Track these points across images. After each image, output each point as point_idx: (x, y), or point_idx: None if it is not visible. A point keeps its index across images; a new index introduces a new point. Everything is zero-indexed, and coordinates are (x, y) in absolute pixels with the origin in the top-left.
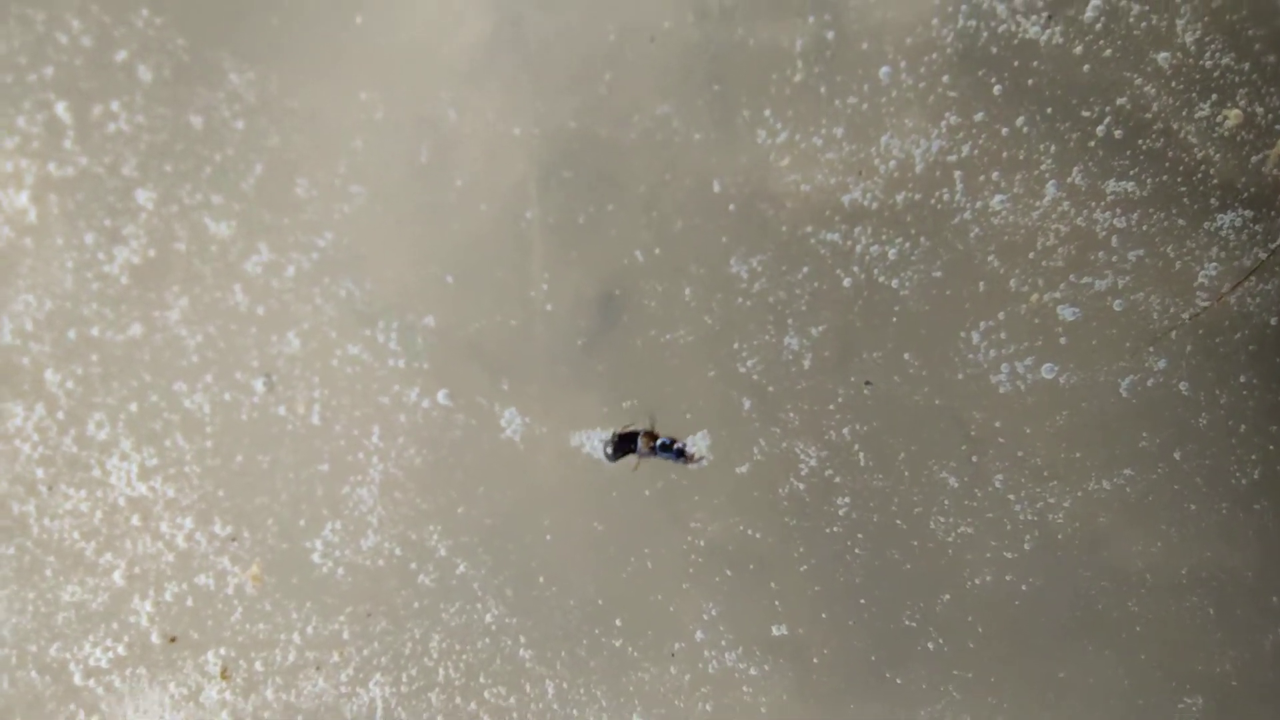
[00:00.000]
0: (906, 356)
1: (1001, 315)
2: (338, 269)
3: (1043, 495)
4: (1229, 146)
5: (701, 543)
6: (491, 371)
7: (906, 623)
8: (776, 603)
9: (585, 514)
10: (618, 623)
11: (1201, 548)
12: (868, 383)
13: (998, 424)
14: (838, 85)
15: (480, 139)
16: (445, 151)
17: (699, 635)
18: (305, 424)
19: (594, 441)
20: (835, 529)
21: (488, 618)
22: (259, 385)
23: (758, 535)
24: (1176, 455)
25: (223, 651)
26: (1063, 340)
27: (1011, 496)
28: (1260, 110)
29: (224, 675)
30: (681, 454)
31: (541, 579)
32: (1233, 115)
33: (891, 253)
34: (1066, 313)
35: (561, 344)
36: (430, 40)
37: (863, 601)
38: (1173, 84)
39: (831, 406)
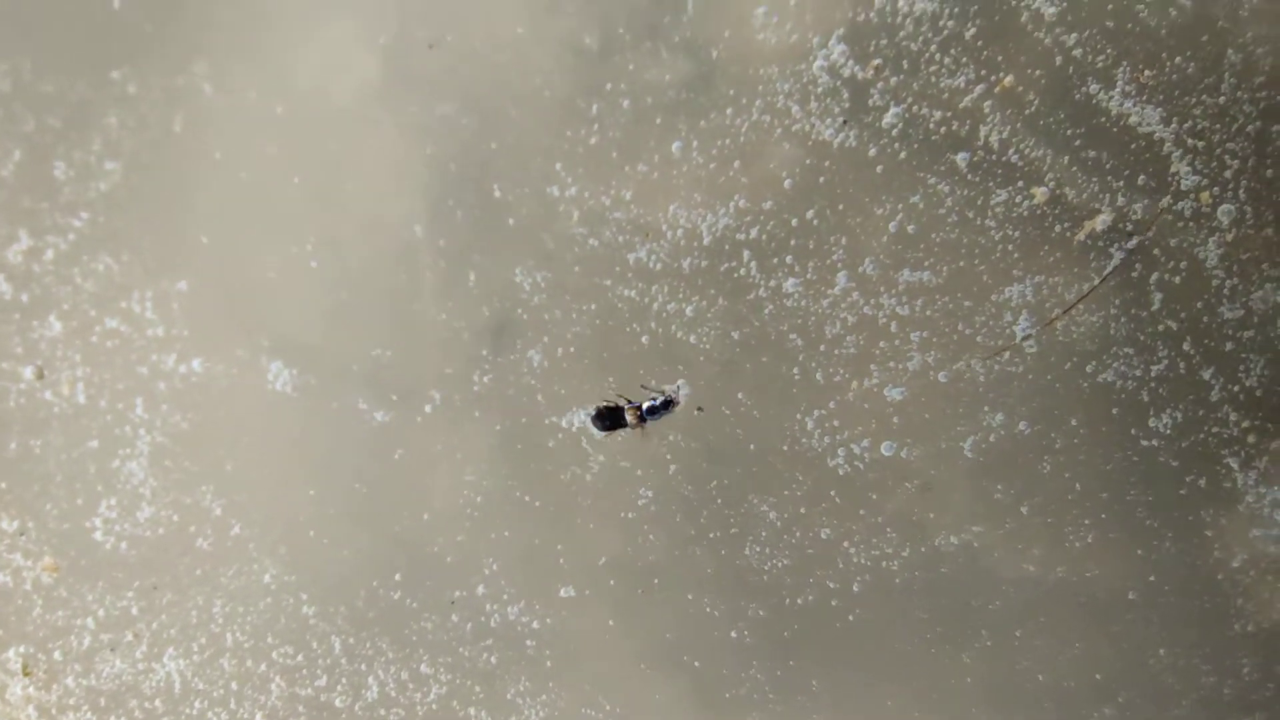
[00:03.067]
0: (740, 395)
1: (832, 404)
2: (95, 246)
3: (880, 545)
4: (1032, 222)
5: (479, 498)
6: (248, 327)
7: (708, 608)
8: (562, 561)
9: (352, 467)
10: (396, 576)
11: (1040, 612)
12: (699, 408)
13: (833, 493)
14: (628, 151)
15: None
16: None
17: (480, 589)
18: (72, 404)
19: (580, 418)
20: (629, 515)
21: (266, 578)
22: (28, 373)
23: (536, 503)
24: (1024, 509)
25: (23, 649)
26: (895, 420)
27: (846, 544)
28: (1069, 191)
29: (25, 672)
30: (669, 404)
31: (312, 533)
32: (1039, 194)
33: (689, 310)
34: (893, 393)
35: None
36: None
37: (656, 581)
38: (970, 178)
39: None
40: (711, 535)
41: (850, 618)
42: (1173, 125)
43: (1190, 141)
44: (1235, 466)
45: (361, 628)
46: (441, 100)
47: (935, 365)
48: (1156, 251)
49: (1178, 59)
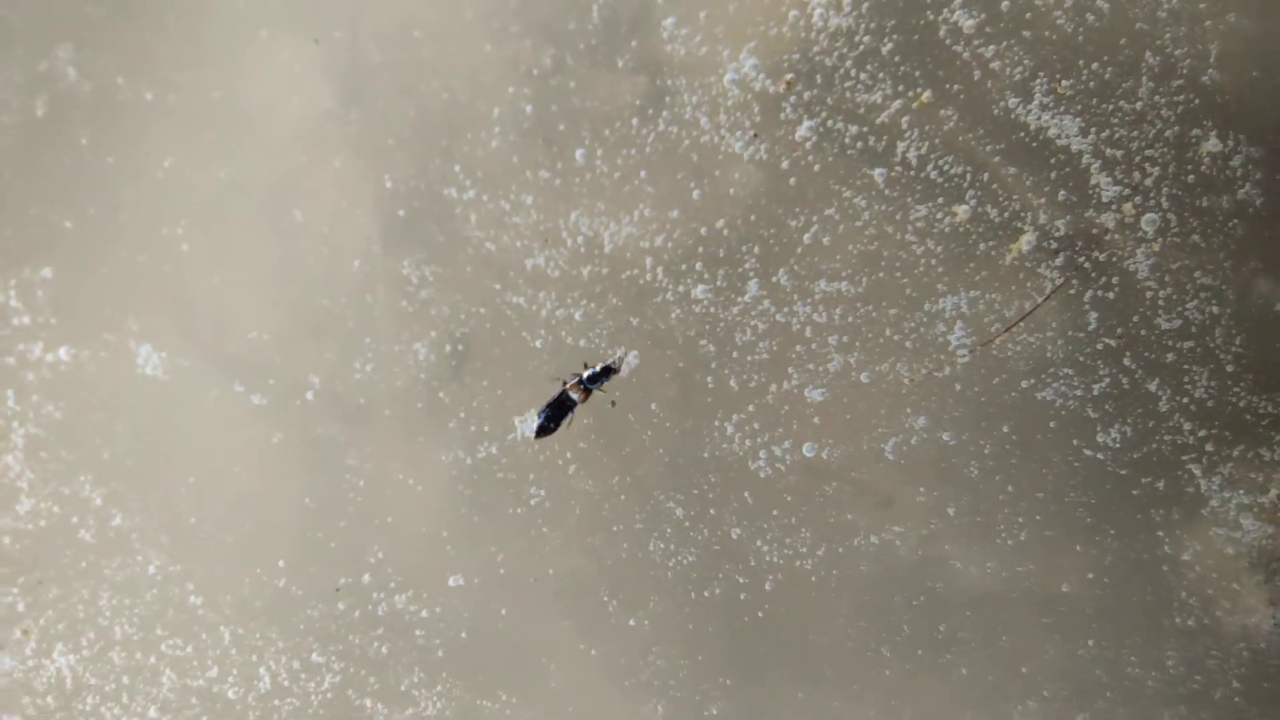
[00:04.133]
0: (653, 406)
1: (751, 408)
2: None
3: (793, 544)
4: (955, 239)
5: (361, 483)
6: (119, 306)
7: (604, 598)
8: (450, 549)
9: (230, 453)
10: (280, 563)
11: (964, 606)
12: (613, 403)
13: (746, 494)
14: (529, 156)
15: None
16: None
17: (366, 577)
18: None
19: (528, 424)
20: (519, 510)
21: (151, 568)
22: None
23: (419, 488)
24: (950, 510)
25: None
26: (816, 420)
27: (759, 542)
28: (991, 210)
29: None
30: (609, 371)
31: (193, 520)
32: (961, 212)
33: (577, 314)
34: (815, 394)
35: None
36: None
37: (550, 572)
38: (887, 193)
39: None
40: (614, 528)
41: (760, 614)
42: (1091, 136)
43: (1109, 152)
44: (1198, 473)
45: (249, 617)
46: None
47: (857, 366)
48: (1087, 265)
49: (1094, 65)
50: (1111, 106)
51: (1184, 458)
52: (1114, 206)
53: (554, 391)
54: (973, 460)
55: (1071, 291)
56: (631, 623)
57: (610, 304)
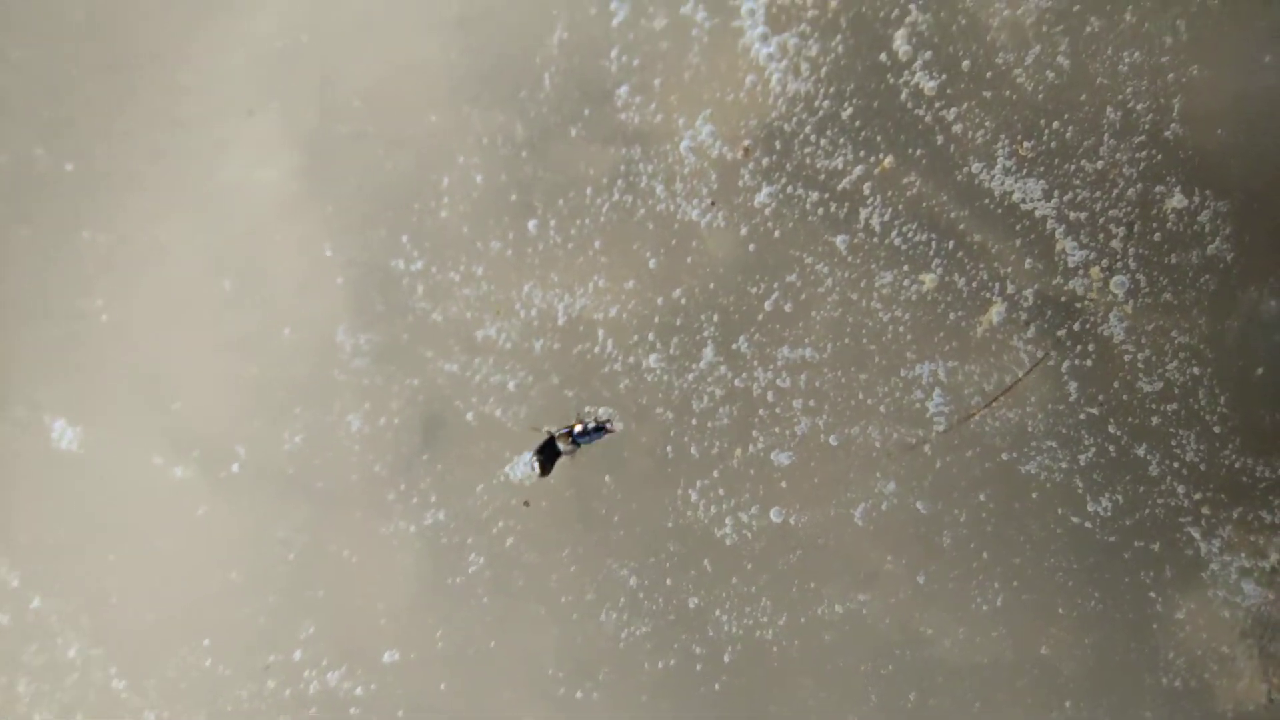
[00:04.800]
0: (607, 478)
1: (715, 473)
2: None
3: (753, 614)
4: (923, 307)
5: (291, 556)
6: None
7: (550, 671)
8: (384, 623)
9: (150, 528)
10: (205, 641)
11: (935, 673)
12: (525, 503)
13: (706, 562)
14: (480, 227)
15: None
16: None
17: (296, 654)
18: None
19: (520, 467)
20: (457, 580)
21: (71, 652)
22: None
23: (354, 559)
24: (920, 579)
25: None
26: (783, 484)
27: (718, 611)
28: (959, 279)
29: None
30: (600, 429)
31: (114, 600)
32: (928, 280)
33: (511, 384)
34: (781, 458)
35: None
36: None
37: (492, 644)
38: (850, 260)
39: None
40: (562, 600)
41: (717, 685)
42: (1054, 199)
43: (1073, 215)
44: (1197, 536)
45: (174, 700)
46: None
47: (825, 429)
48: (1062, 335)
49: (1055, 124)
50: (1074, 166)
51: (1181, 520)
52: (1081, 271)
53: (540, 438)
54: (946, 529)
55: (1050, 363)
56: (579, 695)
57: (550, 377)
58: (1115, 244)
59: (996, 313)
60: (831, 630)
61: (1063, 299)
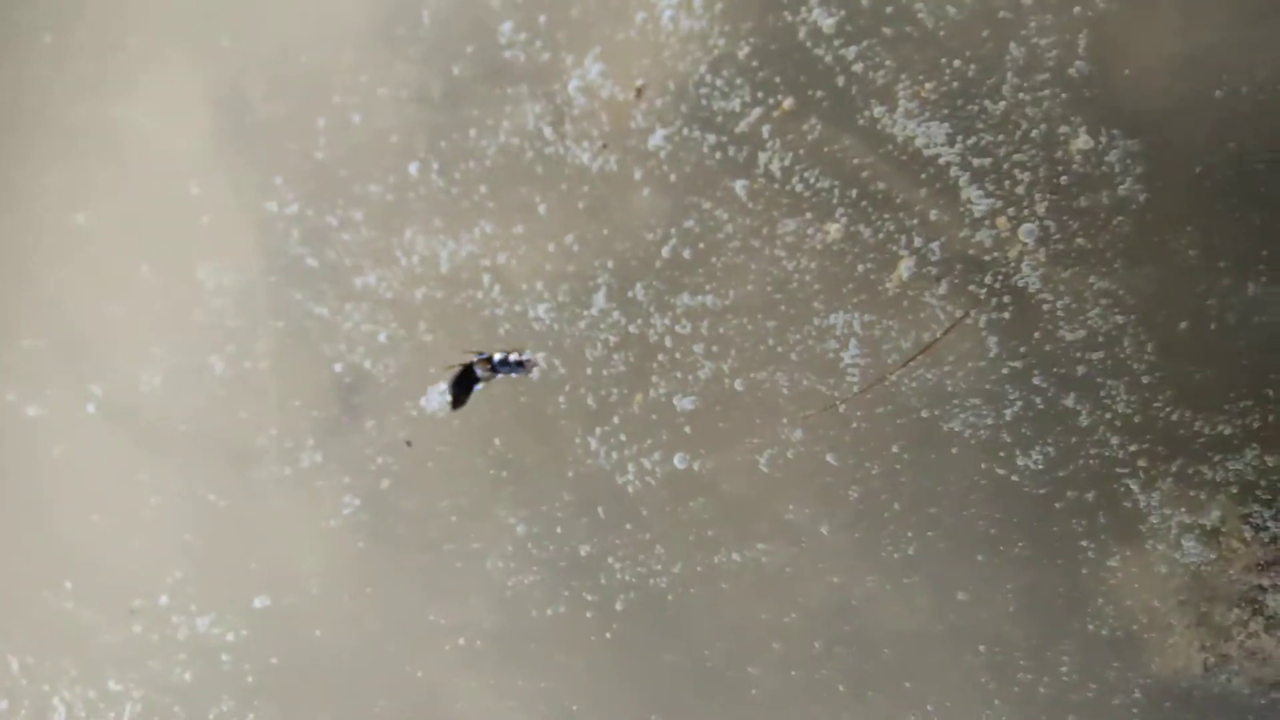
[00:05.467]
0: (496, 441)
1: (616, 419)
2: None
3: (646, 561)
4: (830, 257)
5: (153, 499)
6: None
7: (431, 617)
8: (254, 568)
9: (8, 469)
10: (67, 584)
11: (841, 620)
12: (408, 442)
13: (600, 509)
14: (359, 169)
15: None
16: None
17: (163, 599)
18: None
19: (436, 397)
20: (332, 523)
21: None
22: None
23: (222, 504)
24: (823, 529)
25: None
26: (687, 429)
27: (611, 559)
28: (864, 229)
29: None
30: (520, 365)
31: None
32: (833, 230)
33: (382, 336)
34: (684, 403)
35: None
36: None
37: (369, 590)
38: (750, 206)
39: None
40: (445, 547)
41: (608, 634)
42: (958, 145)
43: (976, 162)
44: (1135, 488)
45: (39, 644)
46: None
47: (730, 374)
48: (974, 288)
49: (957, 63)
50: (976, 108)
51: (1118, 470)
52: (988, 222)
53: (458, 366)
54: (855, 483)
55: (969, 322)
56: (461, 641)
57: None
58: (1020, 190)
59: (906, 267)
60: (729, 579)
61: (971, 251)
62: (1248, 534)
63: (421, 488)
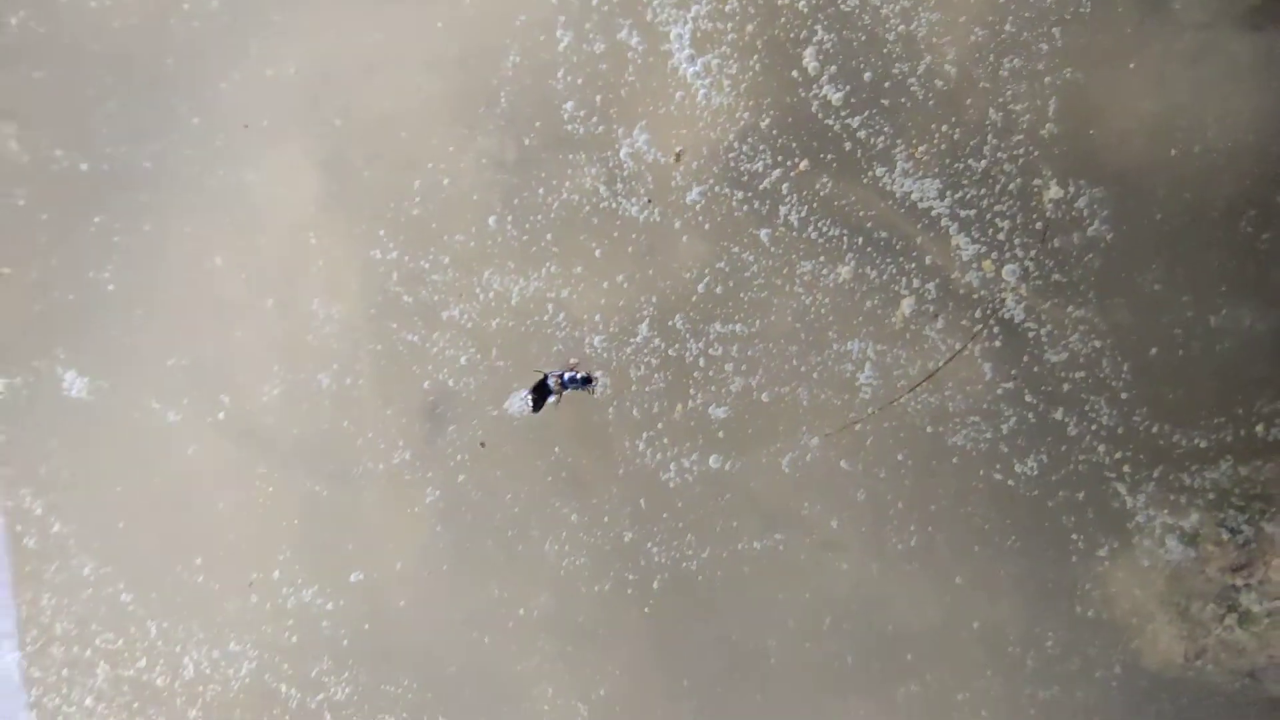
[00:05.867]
0: (556, 448)
1: (660, 425)
2: None
3: (679, 546)
4: (842, 294)
5: (270, 489)
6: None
7: (495, 592)
8: (351, 548)
9: (149, 464)
10: (198, 560)
11: (849, 601)
12: (482, 443)
13: (642, 501)
14: (447, 222)
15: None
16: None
17: (276, 574)
18: None
19: (518, 402)
20: (416, 509)
21: (85, 570)
22: None
23: (325, 493)
24: (834, 524)
25: None
26: (720, 434)
27: (650, 545)
28: (871, 271)
29: None
30: (588, 381)
31: (121, 525)
32: (844, 272)
33: (463, 359)
34: (718, 412)
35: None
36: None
37: (445, 568)
38: (773, 250)
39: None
40: (508, 533)
41: (646, 609)
42: (947, 199)
43: (963, 213)
44: (1123, 490)
45: (172, 610)
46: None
47: (758, 388)
48: (966, 323)
49: (944, 127)
50: (962, 165)
51: (1107, 475)
52: (975, 265)
53: (536, 378)
54: (862, 486)
55: (965, 353)
56: (521, 612)
57: (497, 351)
58: (1001, 236)
59: (907, 305)
60: (750, 563)
61: (962, 291)
62: (1224, 536)
63: (491, 483)
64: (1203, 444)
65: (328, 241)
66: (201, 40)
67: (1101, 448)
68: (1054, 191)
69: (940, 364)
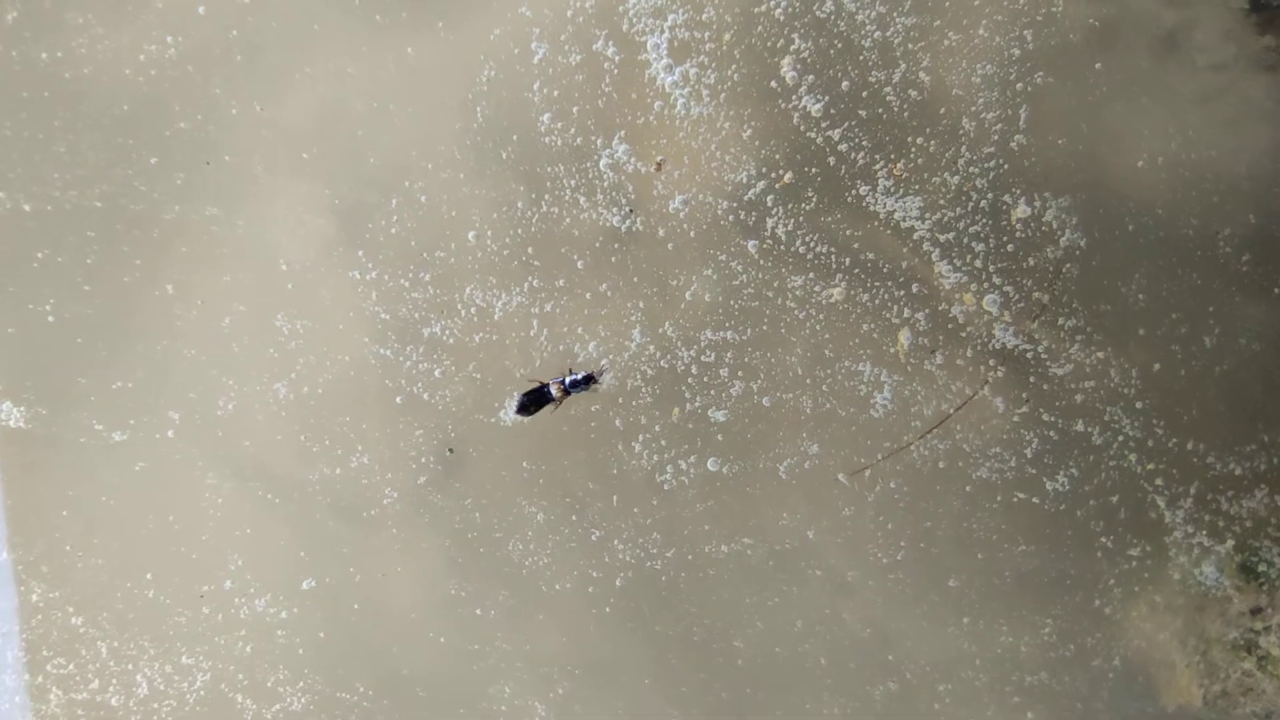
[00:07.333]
0: (524, 464)
1: (657, 428)
2: None
3: (644, 545)
4: (836, 314)
5: (219, 500)
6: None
7: (452, 591)
8: (303, 554)
9: (96, 485)
10: (148, 575)
11: (822, 604)
12: (450, 449)
13: (614, 498)
14: (427, 240)
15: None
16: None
17: (227, 584)
18: None
19: (511, 410)
20: (371, 512)
21: (34, 597)
22: None
23: (276, 501)
24: (810, 533)
25: None
26: (720, 438)
27: (616, 542)
28: (864, 295)
29: None
30: (591, 380)
31: (68, 548)
32: (836, 293)
33: (437, 371)
34: (717, 415)
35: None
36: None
37: (399, 569)
38: (761, 262)
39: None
40: (469, 536)
41: (607, 608)
42: (927, 220)
43: (942, 237)
44: (1162, 504)
45: (124, 629)
46: None
47: (759, 392)
48: (960, 363)
49: (919, 140)
50: (938, 180)
51: (1143, 483)
52: (958, 296)
53: (534, 383)
54: (852, 502)
55: (976, 398)
56: (478, 612)
57: (475, 365)
58: (978, 263)
59: (905, 337)
60: (716, 566)
61: (950, 326)
62: (1260, 567)
63: (454, 487)
64: (1237, 470)
65: (299, 265)
66: (158, 84)
67: (1133, 456)
68: (1021, 210)
69: (953, 410)
